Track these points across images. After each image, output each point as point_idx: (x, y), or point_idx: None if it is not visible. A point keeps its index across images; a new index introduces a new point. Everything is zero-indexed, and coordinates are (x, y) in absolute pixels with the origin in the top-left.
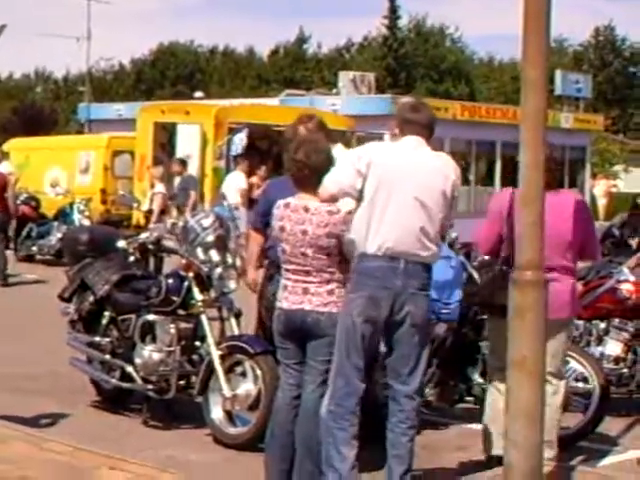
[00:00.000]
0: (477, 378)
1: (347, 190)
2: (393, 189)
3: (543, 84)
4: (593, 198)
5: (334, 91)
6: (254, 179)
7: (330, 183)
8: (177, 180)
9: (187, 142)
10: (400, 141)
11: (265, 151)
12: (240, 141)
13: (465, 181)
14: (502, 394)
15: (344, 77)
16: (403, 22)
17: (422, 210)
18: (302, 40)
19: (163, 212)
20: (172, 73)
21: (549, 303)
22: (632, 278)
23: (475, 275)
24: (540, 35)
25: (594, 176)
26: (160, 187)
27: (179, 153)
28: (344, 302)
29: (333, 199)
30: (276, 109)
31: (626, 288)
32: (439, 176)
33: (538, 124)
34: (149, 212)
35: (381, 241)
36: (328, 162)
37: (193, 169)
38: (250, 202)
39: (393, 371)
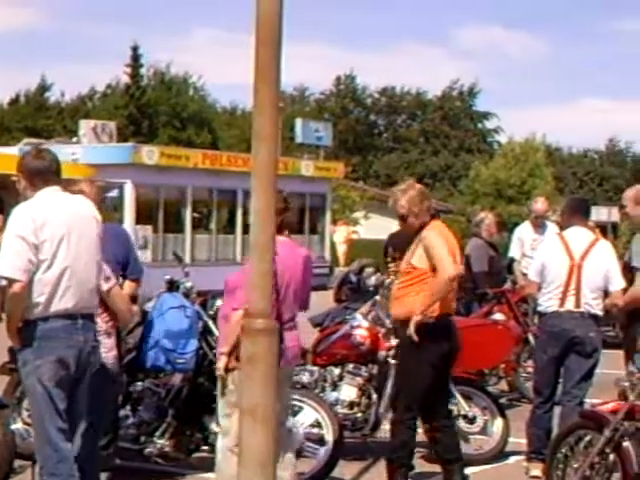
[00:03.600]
0: (213, 427)
1: (32, 269)
2: (62, 247)
3: (273, 134)
4: (333, 244)
5: (75, 140)
6: None
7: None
8: None
9: None
10: (40, 194)
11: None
12: None
13: (206, 229)
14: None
15: (85, 125)
16: (146, 70)
17: (91, 262)
18: (44, 88)
19: None
20: None
21: (288, 352)
22: (365, 324)
23: (211, 324)
24: (270, 86)
25: (335, 222)
26: None
27: None
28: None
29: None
30: (15, 158)
31: (360, 334)
32: (92, 222)
33: (269, 173)
34: None
35: (62, 301)
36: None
37: None
38: None
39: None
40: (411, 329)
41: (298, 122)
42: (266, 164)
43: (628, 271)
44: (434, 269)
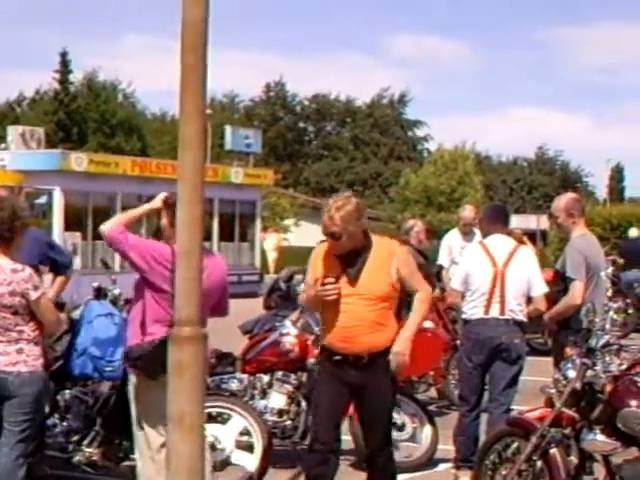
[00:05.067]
0: None
1: None
2: None
3: (200, 141)
4: (263, 252)
5: (3, 146)
6: None
7: None
8: None
9: None
10: None
11: None
12: None
13: None
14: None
15: (13, 132)
16: (75, 76)
17: None
18: None
19: None
20: None
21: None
22: (294, 331)
23: None
24: (196, 92)
25: (265, 230)
26: None
27: None
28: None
29: None
30: None
31: (289, 341)
32: None
33: (195, 180)
34: None
35: None
36: (12, 218)
37: None
38: None
39: None
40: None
41: (227, 129)
42: (192, 171)
43: (560, 279)
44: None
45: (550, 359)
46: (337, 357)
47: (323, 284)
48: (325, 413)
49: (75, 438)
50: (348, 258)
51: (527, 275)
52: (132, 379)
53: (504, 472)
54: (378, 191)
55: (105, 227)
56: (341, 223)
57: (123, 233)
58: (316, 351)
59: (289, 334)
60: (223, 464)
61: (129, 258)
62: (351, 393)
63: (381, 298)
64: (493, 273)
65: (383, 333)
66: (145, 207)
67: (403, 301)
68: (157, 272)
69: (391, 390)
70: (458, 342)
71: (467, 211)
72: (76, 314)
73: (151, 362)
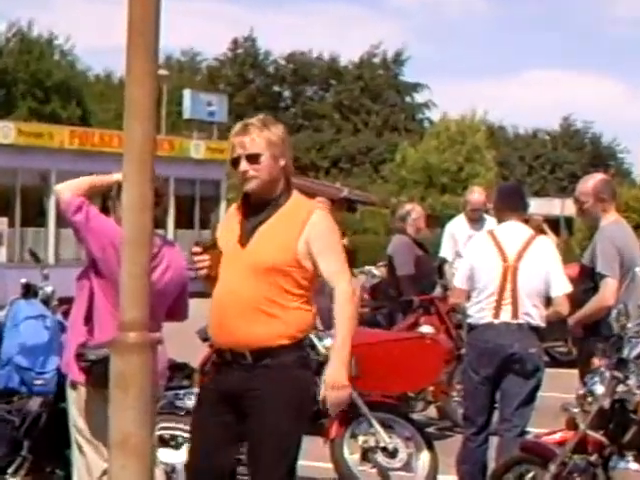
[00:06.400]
0: None
1: None
2: None
3: (150, 108)
4: None
5: None
6: None
7: None
8: None
9: None
10: None
11: None
12: None
13: None
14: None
15: None
16: (2, 29)
17: None
18: None
19: None
20: None
21: (158, 369)
22: None
23: None
24: (147, 49)
25: None
26: None
27: None
28: None
29: None
30: None
31: None
32: None
33: (144, 155)
34: None
35: None
36: None
37: None
38: None
39: None
40: None
41: (186, 94)
42: (140, 144)
43: (588, 276)
44: None
45: (574, 372)
46: (214, 357)
47: (192, 254)
48: (198, 447)
49: None
50: (251, 211)
51: (545, 271)
52: (72, 394)
53: None
54: (369, 169)
55: (64, 190)
56: (265, 143)
57: (84, 203)
58: None
59: None
60: None
61: (84, 238)
62: (235, 409)
63: (275, 272)
64: (503, 269)
65: (274, 323)
66: (107, 178)
67: (396, 304)
68: (115, 260)
69: (291, 417)
70: (463, 351)
71: (476, 194)
72: (0, 316)
73: (106, 370)
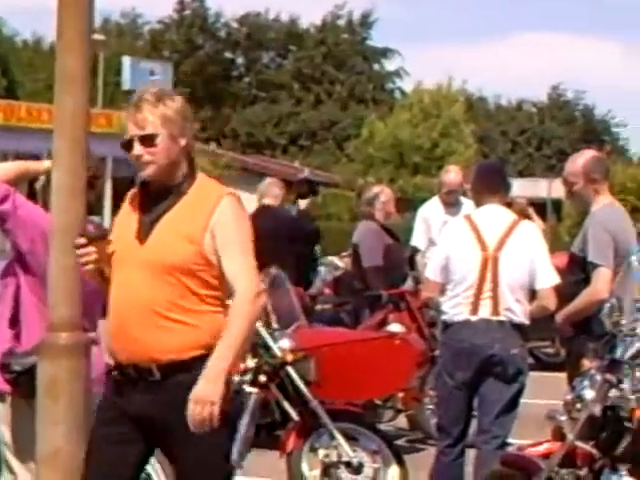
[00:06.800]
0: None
1: None
2: None
3: (83, 77)
4: None
5: None
6: None
7: None
8: None
9: None
10: None
11: None
12: None
13: None
14: None
15: None
16: None
17: None
18: None
19: None
20: None
21: (94, 375)
22: None
23: None
24: (80, 11)
25: None
26: None
27: None
28: None
29: None
30: None
31: None
32: None
33: (76, 130)
34: None
35: None
36: None
37: None
38: None
39: None
40: None
41: (126, 61)
42: (72, 119)
43: (578, 266)
44: None
45: (562, 375)
46: (114, 372)
47: (74, 246)
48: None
49: None
50: (150, 202)
51: (529, 261)
52: None
53: None
54: (332, 146)
55: None
56: (160, 121)
57: (10, 191)
58: (242, 365)
59: None
60: None
61: (11, 229)
62: (143, 437)
63: (179, 270)
64: (482, 258)
65: (183, 331)
66: (35, 165)
67: (362, 299)
68: (45, 253)
69: (218, 444)
70: (437, 352)
71: (452, 174)
72: None
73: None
